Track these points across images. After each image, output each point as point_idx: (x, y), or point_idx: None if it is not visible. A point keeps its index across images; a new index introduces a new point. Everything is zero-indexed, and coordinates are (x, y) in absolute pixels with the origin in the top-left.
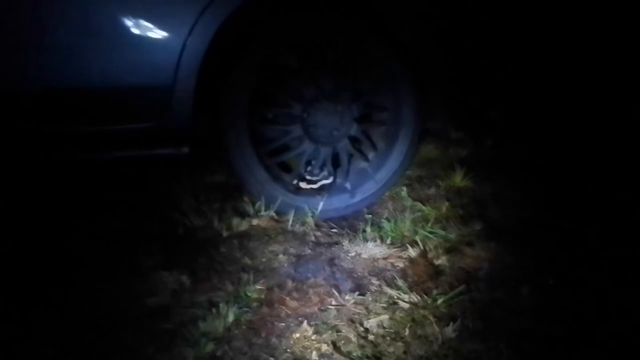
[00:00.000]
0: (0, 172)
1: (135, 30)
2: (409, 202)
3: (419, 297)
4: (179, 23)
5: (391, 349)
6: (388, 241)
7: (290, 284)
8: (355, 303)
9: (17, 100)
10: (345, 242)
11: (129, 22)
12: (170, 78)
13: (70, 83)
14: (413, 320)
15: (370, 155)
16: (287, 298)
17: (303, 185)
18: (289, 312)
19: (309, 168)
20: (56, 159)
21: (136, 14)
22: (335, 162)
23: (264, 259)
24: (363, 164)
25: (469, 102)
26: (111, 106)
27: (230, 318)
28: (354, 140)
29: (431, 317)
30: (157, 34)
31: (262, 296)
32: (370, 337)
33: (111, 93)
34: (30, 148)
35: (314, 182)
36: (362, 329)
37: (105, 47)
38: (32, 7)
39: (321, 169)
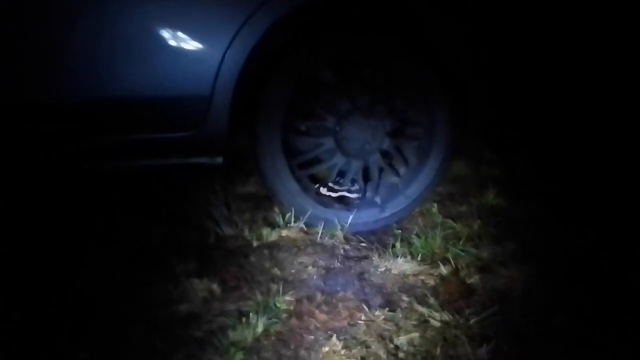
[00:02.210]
0: (39, 178)
1: (177, 44)
2: (439, 219)
3: (450, 316)
4: (219, 37)
5: None
6: (418, 257)
7: (319, 296)
8: (385, 319)
9: (61, 109)
10: (375, 257)
11: (171, 36)
12: (209, 89)
13: (113, 93)
14: (445, 339)
15: (402, 170)
16: (317, 311)
17: (323, 191)
18: (318, 325)
19: (337, 179)
20: (100, 166)
21: (178, 28)
22: (366, 176)
23: (293, 270)
24: (394, 179)
25: (502, 122)
26: (152, 116)
27: (260, 328)
28: (385, 155)
29: (463, 337)
30: (198, 47)
31: (292, 307)
32: (401, 354)
33: (153, 104)
34: (72, 156)
35: (335, 191)
36: (392, 345)
37: (148, 59)
38: (78, 20)
39: (352, 182)
